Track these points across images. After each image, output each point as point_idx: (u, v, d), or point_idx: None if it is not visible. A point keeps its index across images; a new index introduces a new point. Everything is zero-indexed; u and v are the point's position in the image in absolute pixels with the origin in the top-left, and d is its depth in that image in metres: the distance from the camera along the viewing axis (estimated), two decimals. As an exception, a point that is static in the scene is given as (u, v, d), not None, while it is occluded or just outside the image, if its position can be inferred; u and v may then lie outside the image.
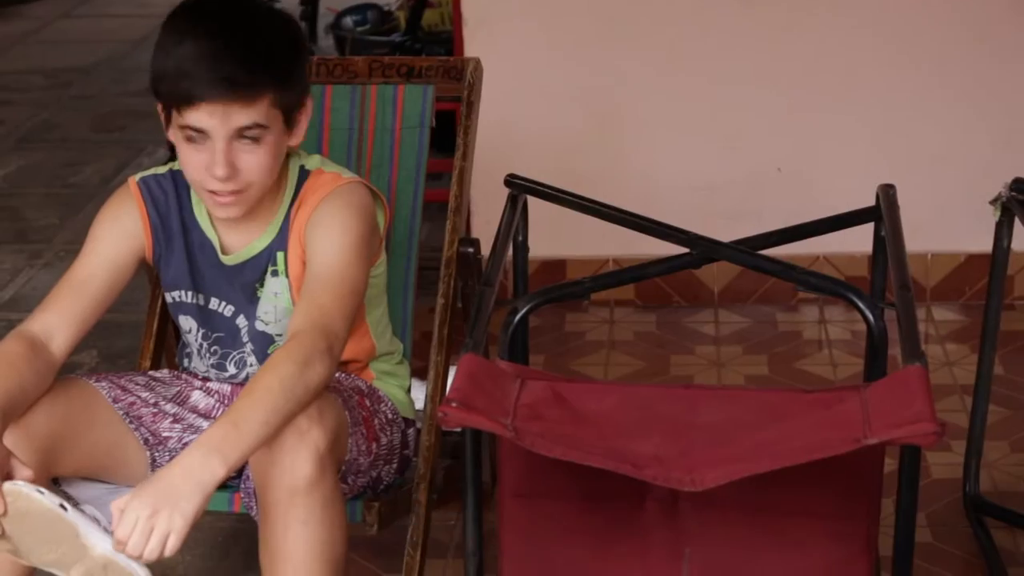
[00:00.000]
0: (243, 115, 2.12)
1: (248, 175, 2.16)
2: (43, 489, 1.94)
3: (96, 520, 1.96)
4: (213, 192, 2.17)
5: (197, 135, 2.13)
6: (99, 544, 1.92)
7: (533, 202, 2.82)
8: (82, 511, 1.96)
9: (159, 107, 2.20)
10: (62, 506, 1.93)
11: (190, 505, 1.92)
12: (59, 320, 2.19)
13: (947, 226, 3.63)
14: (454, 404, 1.98)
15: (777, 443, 2.02)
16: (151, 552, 1.92)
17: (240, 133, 2.13)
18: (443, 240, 2.60)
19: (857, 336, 3.46)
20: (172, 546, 1.93)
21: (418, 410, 2.52)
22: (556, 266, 3.70)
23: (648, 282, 3.73)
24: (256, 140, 2.14)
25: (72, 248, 2.32)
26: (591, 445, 2.05)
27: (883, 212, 2.62)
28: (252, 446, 1.98)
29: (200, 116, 2.11)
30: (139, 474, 2.23)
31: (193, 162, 2.16)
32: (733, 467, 1.99)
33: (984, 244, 2.77)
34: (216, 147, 2.12)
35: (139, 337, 2.59)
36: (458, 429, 2.24)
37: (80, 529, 1.92)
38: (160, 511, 1.90)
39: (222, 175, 2.13)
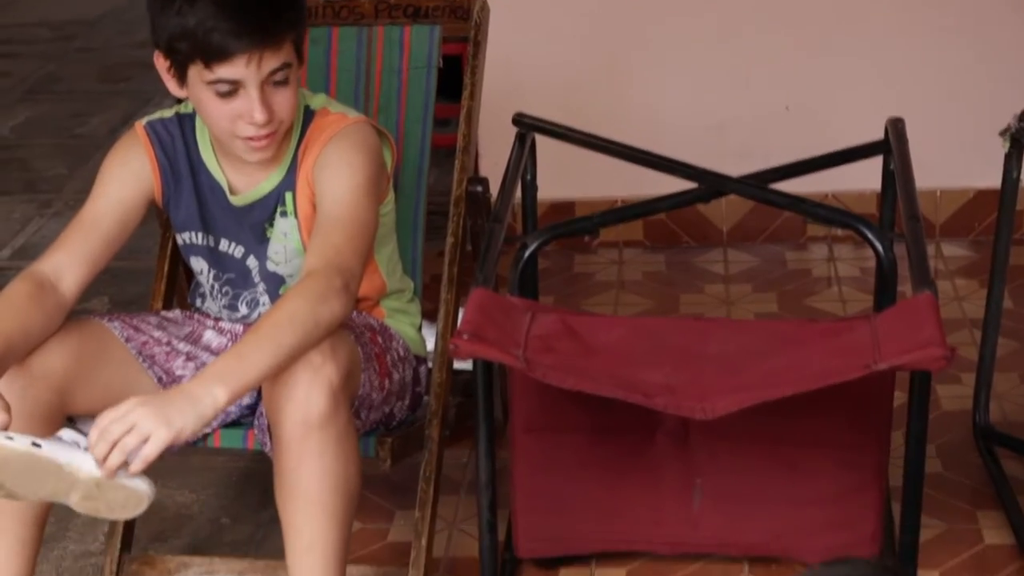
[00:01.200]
0: (273, 59, 2.12)
1: (280, 114, 2.17)
2: (12, 434, 1.91)
3: (76, 444, 1.94)
4: (249, 138, 2.17)
5: (229, 86, 2.12)
6: (84, 466, 1.91)
7: (541, 144, 2.83)
8: (59, 439, 1.94)
9: (166, 66, 2.18)
10: (35, 444, 1.90)
11: (180, 421, 1.91)
12: (69, 260, 2.20)
13: (956, 163, 3.62)
14: (465, 336, 1.99)
15: (787, 371, 2.03)
16: (125, 445, 1.88)
17: (271, 76, 2.13)
18: (451, 184, 2.61)
19: (866, 273, 3.46)
20: (148, 453, 1.90)
21: (429, 351, 2.53)
22: (565, 208, 3.69)
23: (656, 222, 3.74)
24: (285, 81, 2.15)
25: (81, 198, 2.31)
26: (602, 375, 2.06)
27: (892, 145, 2.62)
28: (256, 378, 1.98)
29: (234, 68, 2.10)
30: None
31: (224, 113, 2.16)
32: (744, 395, 2.00)
33: (993, 180, 2.77)
34: (252, 95, 2.12)
35: (150, 284, 2.60)
36: (469, 366, 2.26)
37: (61, 461, 1.90)
38: (148, 419, 1.89)
39: (262, 120, 2.14)
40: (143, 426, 1.90)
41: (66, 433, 1.95)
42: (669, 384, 2.05)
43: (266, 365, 1.99)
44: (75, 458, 1.91)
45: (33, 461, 1.91)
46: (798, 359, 2.06)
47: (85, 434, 1.93)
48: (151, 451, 1.91)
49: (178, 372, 2.31)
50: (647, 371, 2.08)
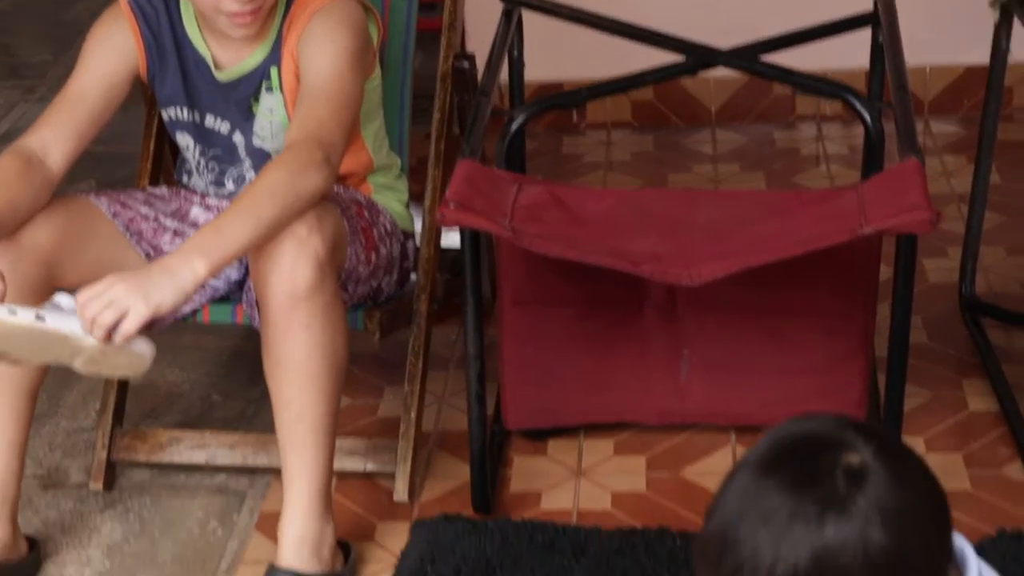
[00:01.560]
0: None
1: None
2: (15, 308, 1.91)
3: (75, 311, 1.95)
4: (233, 14, 2.16)
5: None
6: (87, 336, 1.93)
7: (529, 26, 2.80)
8: (59, 307, 1.94)
9: None
10: (38, 317, 1.91)
11: (158, 296, 1.90)
12: (54, 135, 2.19)
13: (945, 38, 3.60)
14: (452, 205, 1.99)
15: (774, 238, 2.03)
16: (103, 320, 1.88)
17: None
18: (438, 66, 2.58)
19: (854, 151, 3.46)
20: (127, 328, 1.90)
21: (417, 231, 2.53)
22: (553, 89, 3.66)
23: (645, 103, 3.72)
24: None
25: (65, 82, 2.30)
26: (589, 244, 2.06)
27: (881, 16, 2.60)
28: (236, 250, 1.98)
29: None
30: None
31: None
32: (730, 261, 2.01)
33: (982, 56, 2.75)
34: None
35: (137, 167, 2.59)
36: (456, 244, 2.26)
37: (64, 331, 1.90)
38: (125, 294, 1.89)
39: None
40: (121, 302, 1.89)
41: (64, 299, 1.95)
42: (656, 252, 2.05)
43: (246, 237, 1.98)
44: (77, 328, 1.91)
45: (37, 333, 1.92)
46: (785, 226, 2.06)
47: None
48: (130, 327, 1.91)
49: (165, 248, 2.31)
50: (634, 240, 2.08)
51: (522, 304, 2.42)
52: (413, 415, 2.43)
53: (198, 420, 2.68)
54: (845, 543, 1.29)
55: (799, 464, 1.33)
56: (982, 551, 1.44)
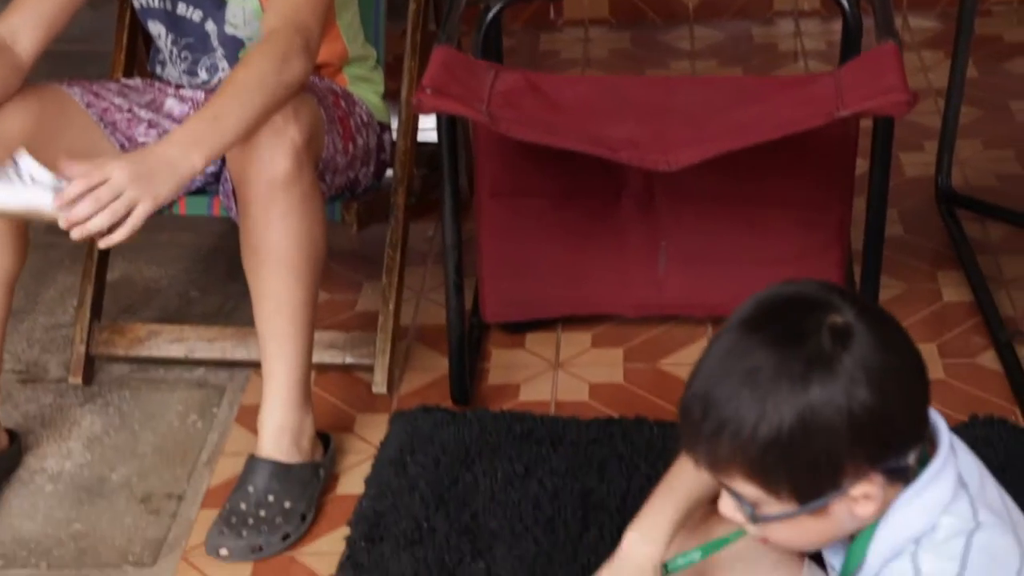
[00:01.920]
0: None
1: None
2: None
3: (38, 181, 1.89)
4: None
5: None
6: (52, 208, 1.87)
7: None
8: (18, 176, 1.89)
9: None
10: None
11: (163, 190, 1.89)
12: (23, 21, 2.16)
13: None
14: (428, 90, 1.98)
15: (752, 122, 2.03)
16: (115, 212, 1.86)
17: None
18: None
19: (832, 47, 3.45)
20: (135, 223, 1.88)
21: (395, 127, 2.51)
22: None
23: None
24: None
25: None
26: (567, 130, 2.06)
27: (859, -94, 2.57)
28: (231, 140, 1.97)
29: None
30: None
31: None
32: (707, 146, 2.01)
33: (961, -53, 2.74)
34: None
35: (109, 66, 2.57)
36: (434, 138, 2.25)
37: (34, 207, 1.88)
38: (135, 187, 1.87)
39: None
40: (131, 194, 1.87)
41: (25, 161, 1.90)
42: (633, 138, 2.05)
43: (240, 127, 1.97)
44: (47, 199, 1.87)
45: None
46: (762, 111, 2.05)
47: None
48: (137, 222, 1.88)
49: (140, 139, 2.29)
50: (611, 126, 2.08)
51: (499, 196, 2.41)
52: (391, 307, 2.44)
53: (176, 316, 2.68)
54: (830, 401, 1.30)
55: (784, 323, 1.34)
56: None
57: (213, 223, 2.92)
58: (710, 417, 1.34)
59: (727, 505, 1.41)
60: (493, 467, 2.20)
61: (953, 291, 2.60)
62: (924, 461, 1.38)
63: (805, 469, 1.31)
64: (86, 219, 1.86)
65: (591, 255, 2.46)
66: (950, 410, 2.26)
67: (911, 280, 2.64)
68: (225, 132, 1.96)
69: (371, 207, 2.41)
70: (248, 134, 2.00)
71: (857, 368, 1.30)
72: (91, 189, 1.85)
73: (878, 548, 1.37)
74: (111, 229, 1.88)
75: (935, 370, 2.40)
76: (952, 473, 1.38)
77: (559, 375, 2.47)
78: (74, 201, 1.85)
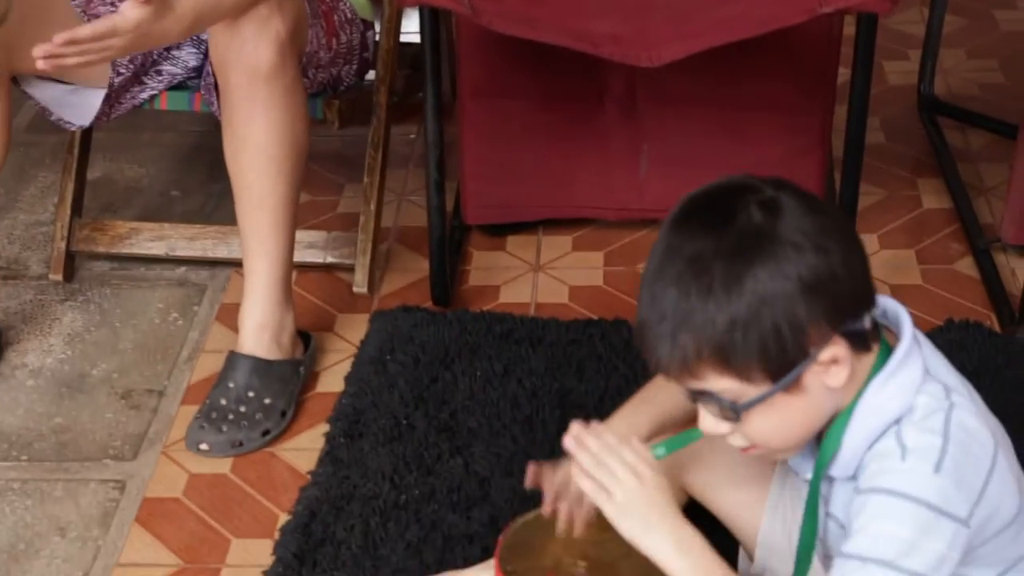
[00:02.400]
0: None
1: None
2: None
3: None
4: None
5: None
6: None
7: None
8: None
9: None
10: None
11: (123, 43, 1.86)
12: None
13: None
14: (410, -17, 1.97)
15: (735, 19, 2.02)
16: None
17: None
18: None
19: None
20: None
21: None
22: None
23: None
24: None
25: None
26: (549, 24, 2.05)
27: None
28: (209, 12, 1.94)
29: None
30: (101, 74, 2.22)
31: None
32: (691, 42, 2.00)
33: None
34: None
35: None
36: (417, 38, 2.24)
37: None
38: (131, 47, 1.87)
39: None
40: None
41: None
42: (616, 34, 2.03)
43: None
44: None
45: None
46: (746, 8, 2.04)
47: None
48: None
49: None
50: (594, 21, 2.06)
51: (481, 97, 2.41)
52: (372, 207, 2.44)
53: (158, 215, 2.68)
54: (777, 268, 1.33)
55: (712, 210, 1.37)
56: (930, 340, 1.48)
57: (194, 123, 2.91)
58: (667, 319, 1.35)
59: (707, 420, 1.42)
60: (472, 367, 2.22)
61: (933, 198, 2.62)
62: (889, 350, 1.40)
63: (771, 342, 1.33)
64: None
65: (573, 158, 2.46)
66: (927, 315, 2.28)
67: (891, 187, 2.64)
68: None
69: (353, 106, 2.40)
70: (239, 10, 1.98)
71: (794, 233, 1.33)
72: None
73: (853, 437, 1.39)
74: None
75: (913, 276, 2.41)
76: (919, 358, 1.40)
77: (539, 277, 2.48)
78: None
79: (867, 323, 1.38)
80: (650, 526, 1.42)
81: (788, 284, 1.32)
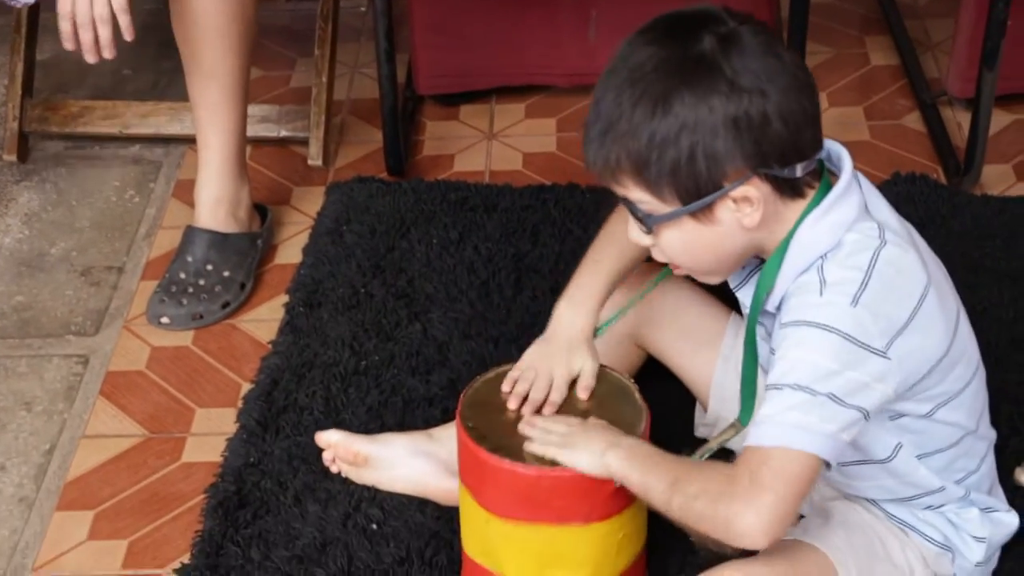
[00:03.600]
0: None
1: None
2: None
3: None
4: None
5: None
6: None
7: None
8: None
9: None
10: None
11: None
12: None
13: None
14: None
15: None
16: (103, 19, 1.91)
17: None
18: None
19: None
20: (121, 9, 1.91)
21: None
22: None
23: None
24: None
25: None
26: None
27: None
28: None
29: None
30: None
31: None
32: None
33: None
34: None
35: None
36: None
37: None
38: None
39: None
40: None
41: None
42: None
43: None
44: None
45: None
46: None
47: None
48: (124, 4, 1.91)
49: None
50: None
51: (429, -36, 2.40)
52: (324, 79, 2.44)
53: (110, 94, 2.67)
54: (707, 98, 1.34)
55: (672, 29, 1.38)
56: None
57: (145, 0, 2.89)
58: (600, 119, 1.38)
59: (633, 230, 1.46)
60: (428, 234, 2.24)
61: (880, 55, 2.64)
62: (829, 188, 1.43)
63: (685, 165, 1.35)
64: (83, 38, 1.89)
65: (523, 25, 2.46)
66: (875, 170, 2.31)
67: (840, 45, 2.66)
68: None
69: (301, -23, 2.39)
70: None
71: (737, 69, 1.34)
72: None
73: (786, 271, 1.42)
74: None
75: (861, 132, 2.44)
76: (857, 197, 1.42)
77: (493, 145, 2.50)
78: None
79: (798, 171, 1.39)
80: (599, 452, 1.49)
81: (713, 116, 1.34)
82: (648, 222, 1.41)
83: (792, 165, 1.38)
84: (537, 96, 2.60)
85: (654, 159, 1.36)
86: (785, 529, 1.36)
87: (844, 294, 1.37)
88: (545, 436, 1.53)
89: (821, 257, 1.40)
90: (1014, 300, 2.03)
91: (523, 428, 1.55)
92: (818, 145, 1.41)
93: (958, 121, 2.43)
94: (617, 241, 1.62)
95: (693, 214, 1.39)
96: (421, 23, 2.47)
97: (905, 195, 2.20)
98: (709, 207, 1.38)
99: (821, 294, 1.38)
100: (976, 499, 1.57)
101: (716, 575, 1.46)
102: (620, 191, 1.42)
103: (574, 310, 1.67)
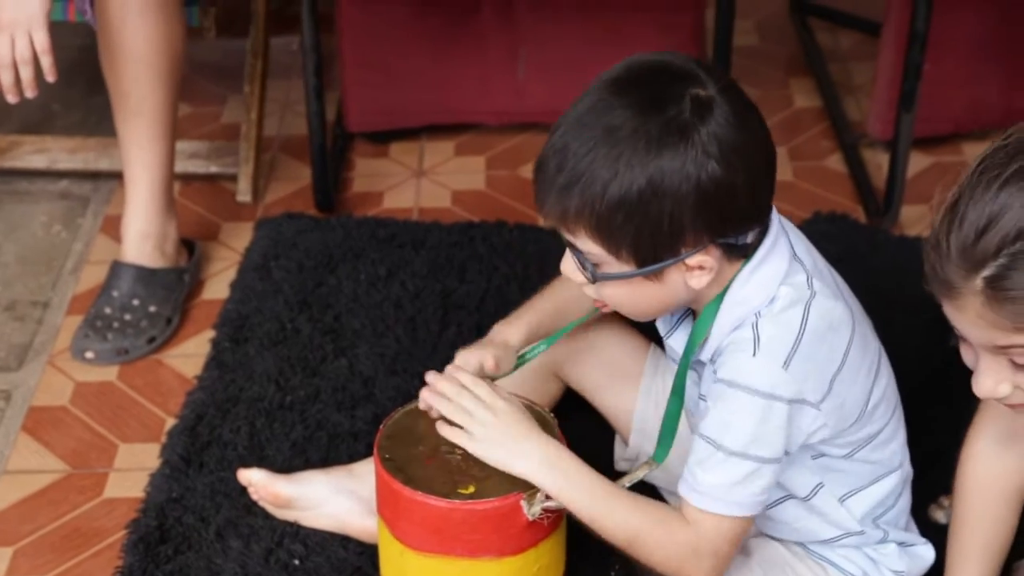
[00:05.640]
0: None
1: None
2: None
3: None
4: None
5: None
6: None
7: None
8: None
9: None
10: None
11: (35, 6, 1.89)
12: None
13: None
14: None
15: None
16: (24, 58, 1.91)
17: None
18: None
19: None
20: (42, 50, 1.91)
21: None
22: None
23: None
24: None
25: None
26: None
27: None
28: None
29: None
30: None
31: None
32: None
33: None
34: None
35: None
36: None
37: None
38: (8, 25, 1.88)
39: None
40: (11, 30, 1.88)
41: None
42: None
43: None
44: None
45: None
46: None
47: None
48: (45, 46, 1.91)
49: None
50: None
51: (360, 2, 2.42)
52: (254, 116, 2.45)
53: (38, 130, 2.66)
54: (681, 168, 1.34)
55: (650, 89, 1.37)
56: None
57: (74, 36, 2.88)
58: (565, 170, 1.37)
59: (568, 265, 1.46)
60: (356, 270, 2.25)
61: (804, 97, 2.68)
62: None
63: (648, 232, 1.36)
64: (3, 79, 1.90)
65: (452, 63, 2.49)
66: (799, 210, 2.35)
67: (765, 87, 2.70)
68: None
69: (231, 15, 2.40)
70: None
71: (711, 140, 1.34)
72: None
73: (721, 323, 1.44)
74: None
75: (785, 172, 2.48)
76: (786, 248, 1.45)
77: (423, 183, 2.52)
78: None
79: (750, 238, 1.41)
80: (513, 452, 1.50)
81: (685, 187, 1.34)
82: (595, 275, 1.43)
83: (746, 233, 1.41)
84: (467, 134, 2.62)
85: (619, 222, 1.36)
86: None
87: (776, 357, 1.40)
88: (454, 414, 1.53)
89: (756, 314, 1.42)
90: (930, 337, 2.06)
91: (424, 395, 1.57)
92: (770, 210, 1.44)
93: (878, 162, 2.48)
94: (568, 288, 1.63)
95: (645, 276, 1.41)
96: (352, 61, 2.49)
97: (824, 233, 2.23)
98: (660, 270, 1.40)
99: (755, 354, 1.40)
100: (893, 535, 1.59)
101: None
102: (569, 238, 1.42)
103: (509, 324, 1.70)
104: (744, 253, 1.43)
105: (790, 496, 1.53)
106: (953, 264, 1.24)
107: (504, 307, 2.14)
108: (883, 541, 1.58)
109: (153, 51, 2.08)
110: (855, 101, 2.66)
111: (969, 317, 1.26)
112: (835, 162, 2.51)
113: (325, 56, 2.31)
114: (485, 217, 2.39)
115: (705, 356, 1.48)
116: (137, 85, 2.10)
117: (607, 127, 1.36)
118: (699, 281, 1.41)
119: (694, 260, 1.39)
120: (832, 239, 2.23)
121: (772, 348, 1.40)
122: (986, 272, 1.22)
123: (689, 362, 1.49)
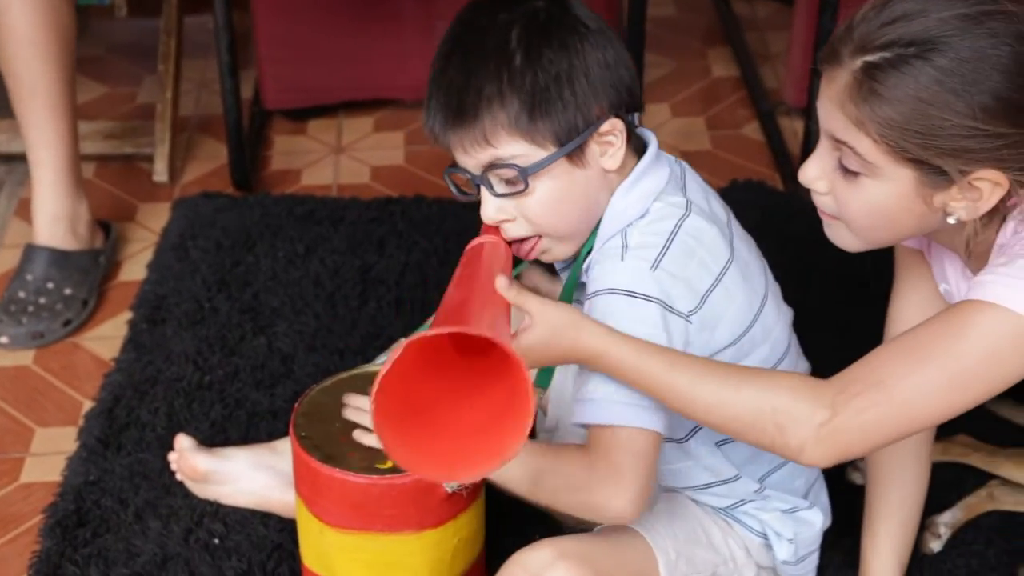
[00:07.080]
0: None
1: None
2: None
3: None
4: None
5: None
6: None
7: None
8: None
9: None
10: None
11: None
12: None
13: None
14: None
15: None
16: None
17: None
18: None
19: None
20: None
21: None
22: None
23: None
24: None
25: None
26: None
27: None
28: None
29: None
30: None
31: None
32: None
33: None
34: None
35: None
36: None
37: None
38: None
39: None
40: None
41: None
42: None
43: None
44: None
45: None
46: None
47: None
48: None
49: None
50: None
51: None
52: (169, 95, 2.42)
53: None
54: (579, 44, 1.40)
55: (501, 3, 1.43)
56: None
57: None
58: (468, 88, 1.39)
59: (489, 207, 1.45)
60: (274, 248, 2.24)
61: (722, 67, 2.69)
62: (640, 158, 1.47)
63: (563, 106, 1.39)
64: None
65: (369, 38, 2.47)
66: (716, 178, 2.35)
67: (682, 58, 2.71)
68: None
69: (141, -7, 2.38)
70: None
71: (584, 21, 1.40)
72: None
73: (603, 235, 1.46)
74: None
75: (703, 142, 2.49)
76: (665, 170, 1.46)
77: (341, 159, 2.50)
78: None
79: (636, 120, 1.46)
80: None
81: (582, 60, 1.39)
82: (524, 175, 1.42)
83: (632, 114, 1.45)
84: (385, 110, 2.61)
85: (537, 104, 1.39)
86: (648, 499, 1.40)
87: (644, 259, 1.41)
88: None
89: (628, 224, 1.44)
90: (844, 302, 2.08)
91: (347, 414, 1.56)
92: (641, 104, 1.48)
93: (794, 129, 2.49)
94: None
95: (568, 156, 1.42)
96: (266, 37, 2.47)
97: (741, 201, 2.20)
98: (581, 148, 1.42)
99: (622, 259, 1.42)
100: (775, 497, 1.59)
101: (533, 550, 1.46)
102: (490, 154, 1.41)
103: None
104: (637, 145, 1.46)
105: (667, 439, 1.52)
106: (850, 38, 1.29)
107: (423, 282, 2.16)
108: (760, 500, 1.58)
109: (40, 29, 2.04)
110: (772, 69, 2.67)
111: (831, 93, 1.31)
112: (752, 131, 2.52)
113: (241, 34, 2.29)
114: (404, 192, 2.38)
115: (585, 276, 1.48)
116: (28, 67, 2.06)
117: (492, 38, 1.39)
118: (613, 159, 1.43)
119: (606, 126, 1.42)
120: (750, 206, 2.21)
121: (639, 252, 1.42)
122: (869, 57, 1.27)
123: (575, 282, 1.49)
